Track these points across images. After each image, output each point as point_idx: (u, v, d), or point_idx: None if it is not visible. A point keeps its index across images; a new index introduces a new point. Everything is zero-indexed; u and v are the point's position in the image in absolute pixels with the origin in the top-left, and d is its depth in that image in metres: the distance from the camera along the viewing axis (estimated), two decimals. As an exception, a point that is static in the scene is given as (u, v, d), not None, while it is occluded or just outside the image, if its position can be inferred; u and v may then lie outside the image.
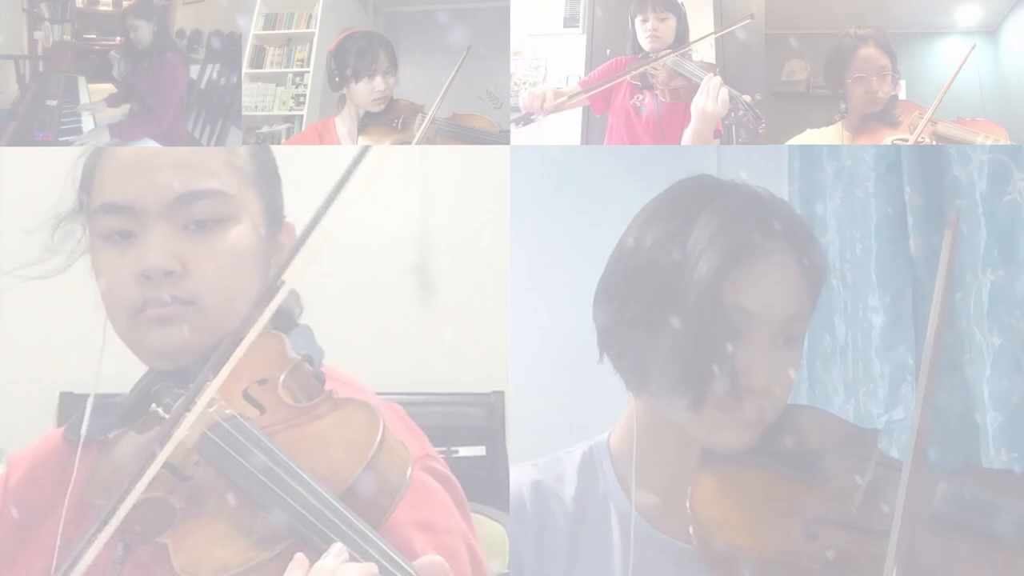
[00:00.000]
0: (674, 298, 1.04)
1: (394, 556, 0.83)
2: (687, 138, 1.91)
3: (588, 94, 2.08)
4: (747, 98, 1.89)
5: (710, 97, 1.86)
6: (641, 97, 2.04)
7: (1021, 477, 1.14)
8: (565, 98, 2.07)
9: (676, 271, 1.04)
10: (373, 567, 0.82)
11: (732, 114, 1.91)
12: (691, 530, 1.01)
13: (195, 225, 1.04)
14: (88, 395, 1.08)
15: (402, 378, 2.57)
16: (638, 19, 2.04)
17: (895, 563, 0.89)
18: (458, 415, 3.15)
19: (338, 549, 0.83)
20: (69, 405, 3.01)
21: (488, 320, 2.89)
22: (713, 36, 2.06)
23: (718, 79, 1.88)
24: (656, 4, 2.02)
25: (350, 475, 0.87)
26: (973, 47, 1.92)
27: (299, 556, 0.82)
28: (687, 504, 1.03)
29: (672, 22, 2.02)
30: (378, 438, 0.88)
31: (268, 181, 1.12)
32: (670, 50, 2.00)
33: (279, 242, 1.12)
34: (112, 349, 1.08)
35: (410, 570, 0.82)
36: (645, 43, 2.03)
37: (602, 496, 1.13)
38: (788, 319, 1.06)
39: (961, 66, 1.88)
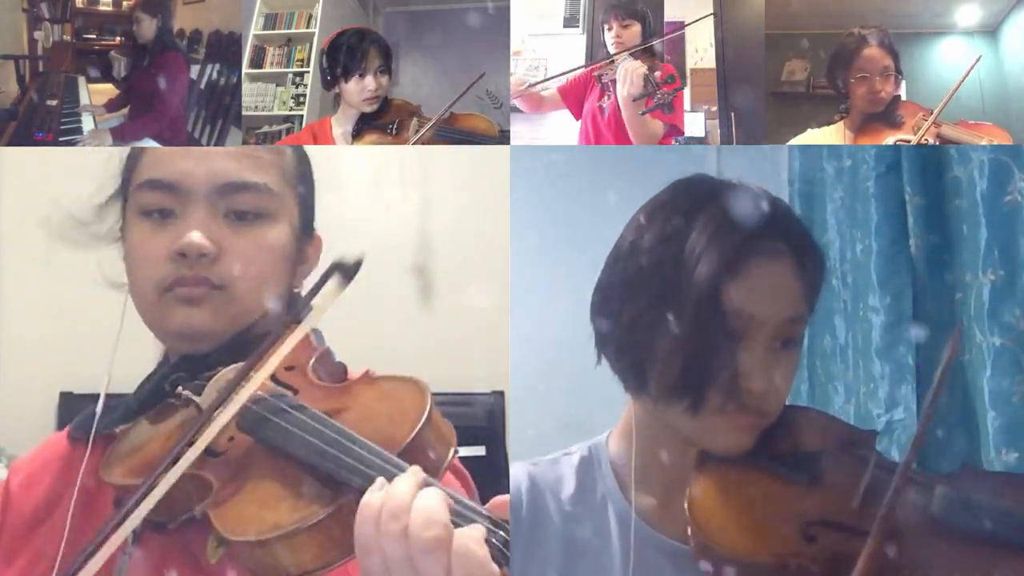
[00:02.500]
0: (672, 300, 1.03)
1: (465, 500, 0.84)
2: (627, 127, 1.99)
3: (553, 79, 2.17)
4: (657, 74, 1.96)
5: (626, 81, 1.96)
6: (606, 98, 2.10)
7: (1019, 479, 1.14)
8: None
9: (674, 273, 1.03)
10: (444, 495, 0.82)
11: (640, 93, 1.97)
12: (689, 532, 1.01)
13: (235, 215, 1.06)
14: (91, 393, 1.08)
15: (402, 378, 2.57)
16: (605, 27, 2.11)
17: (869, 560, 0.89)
18: (458, 415, 3.14)
19: (415, 469, 0.84)
20: (69, 405, 3.01)
21: (488, 320, 2.89)
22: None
23: (629, 62, 1.98)
24: (619, 12, 2.09)
25: (400, 442, 0.87)
26: (979, 59, 1.92)
27: (380, 479, 0.82)
28: (685, 506, 1.02)
29: (636, 28, 2.08)
30: (427, 408, 0.90)
31: (306, 187, 1.14)
32: (626, 52, 2.06)
33: (307, 253, 1.13)
34: (120, 347, 1.08)
35: (482, 510, 0.84)
36: (611, 49, 2.09)
37: (601, 497, 1.13)
38: (786, 322, 1.04)
39: (966, 75, 1.88)
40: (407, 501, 0.80)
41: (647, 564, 1.08)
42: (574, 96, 2.16)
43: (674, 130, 1.99)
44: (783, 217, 1.09)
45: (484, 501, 1.34)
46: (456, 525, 0.80)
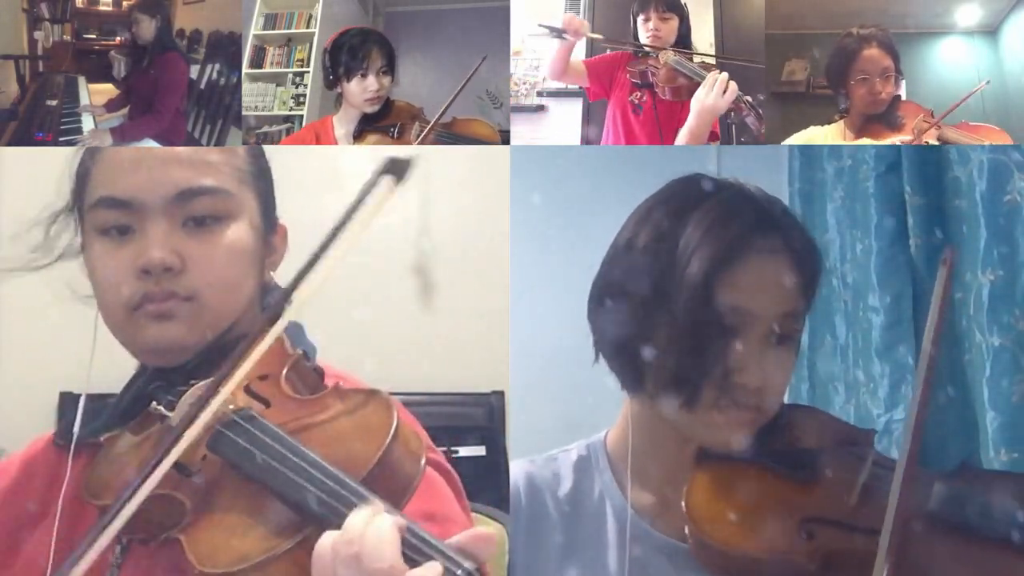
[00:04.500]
0: (667, 298, 1.03)
1: (423, 535, 0.82)
2: (683, 134, 1.88)
3: (609, 44, 2.07)
4: (748, 98, 1.88)
5: (715, 91, 1.82)
6: (639, 95, 2.02)
7: (1016, 478, 1.14)
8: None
9: (669, 270, 1.03)
10: (400, 519, 0.81)
11: (733, 112, 1.89)
12: (687, 529, 1.01)
13: (194, 222, 1.04)
14: (90, 393, 1.08)
15: (402, 378, 2.57)
16: (640, 17, 2.03)
17: (886, 562, 0.89)
18: (458, 415, 3.15)
19: (377, 505, 0.82)
20: (69, 405, 3.02)
21: (488, 320, 2.89)
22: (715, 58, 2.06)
23: (724, 75, 1.85)
24: (659, 3, 2.01)
25: (368, 462, 0.86)
26: (987, 82, 1.91)
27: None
28: (682, 503, 1.02)
29: (674, 23, 2.01)
30: (393, 425, 0.88)
31: (264, 181, 1.12)
32: (672, 48, 1.99)
33: (272, 244, 1.12)
34: (103, 349, 1.07)
35: (442, 547, 0.81)
36: (645, 41, 2.02)
37: (598, 494, 1.13)
38: (781, 317, 1.05)
39: (970, 95, 1.87)
40: (360, 528, 0.79)
41: (644, 561, 1.08)
42: (598, 76, 2.08)
43: (711, 136, 1.93)
44: (778, 214, 1.09)
45: (484, 501, 1.34)
46: (412, 561, 0.79)
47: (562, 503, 1.13)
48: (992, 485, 1.04)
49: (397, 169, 0.93)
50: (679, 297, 1.02)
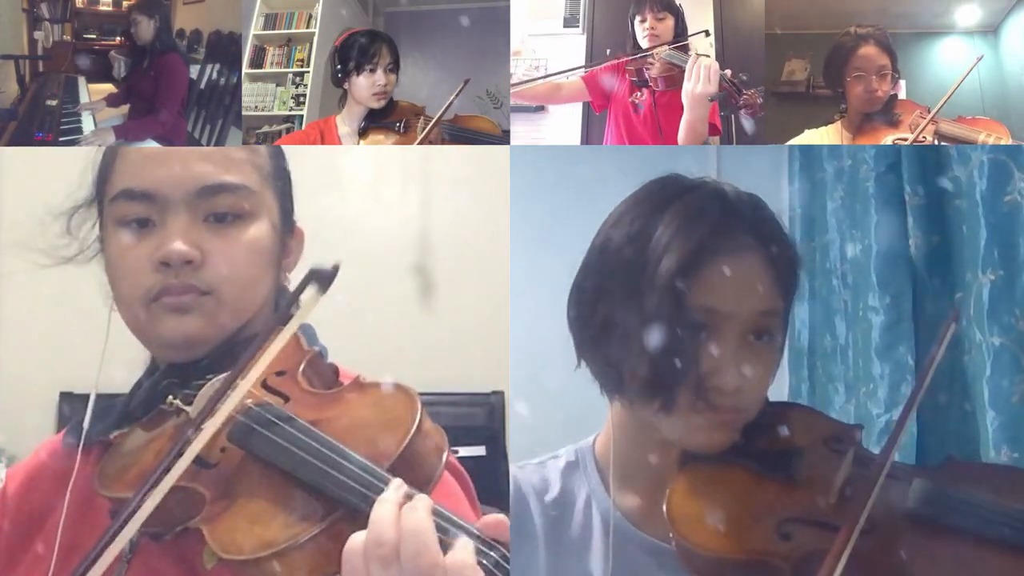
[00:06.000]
0: (639, 300, 1.02)
1: (451, 516, 0.82)
2: (682, 128, 1.89)
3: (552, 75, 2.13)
4: (727, 72, 1.89)
5: (701, 79, 1.85)
6: (639, 95, 2.04)
7: (1004, 472, 1.14)
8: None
9: (640, 272, 1.02)
10: (428, 500, 0.81)
11: (717, 92, 1.89)
12: (670, 532, 1.01)
13: (215, 218, 1.04)
14: (88, 395, 1.08)
15: (402, 378, 2.58)
16: (637, 19, 2.05)
17: (843, 559, 0.89)
18: (458, 415, 3.15)
19: (397, 483, 0.83)
20: (69, 405, 3.01)
21: (488, 320, 2.90)
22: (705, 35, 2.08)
23: (703, 58, 1.87)
24: (654, 4, 2.03)
25: (391, 452, 0.86)
26: (980, 58, 1.91)
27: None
28: (664, 506, 1.02)
29: (670, 22, 2.04)
30: (417, 417, 0.88)
31: (283, 182, 1.13)
32: (665, 45, 2.01)
33: (289, 246, 1.12)
34: (111, 349, 1.07)
35: (471, 528, 0.82)
36: (643, 42, 2.04)
37: (585, 498, 1.13)
38: (756, 315, 1.03)
39: (967, 73, 1.87)
40: (391, 524, 0.79)
41: (632, 564, 1.08)
42: (600, 88, 2.11)
43: (713, 129, 1.94)
44: (751, 211, 1.07)
45: (484, 501, 1.34)
46: (442, 542, 0.79)
47: (548, 508, 1.12)
48: (978, 478, 1.04)
49: (322, 279, 0.93)
50: (651, 298, 1.01)
